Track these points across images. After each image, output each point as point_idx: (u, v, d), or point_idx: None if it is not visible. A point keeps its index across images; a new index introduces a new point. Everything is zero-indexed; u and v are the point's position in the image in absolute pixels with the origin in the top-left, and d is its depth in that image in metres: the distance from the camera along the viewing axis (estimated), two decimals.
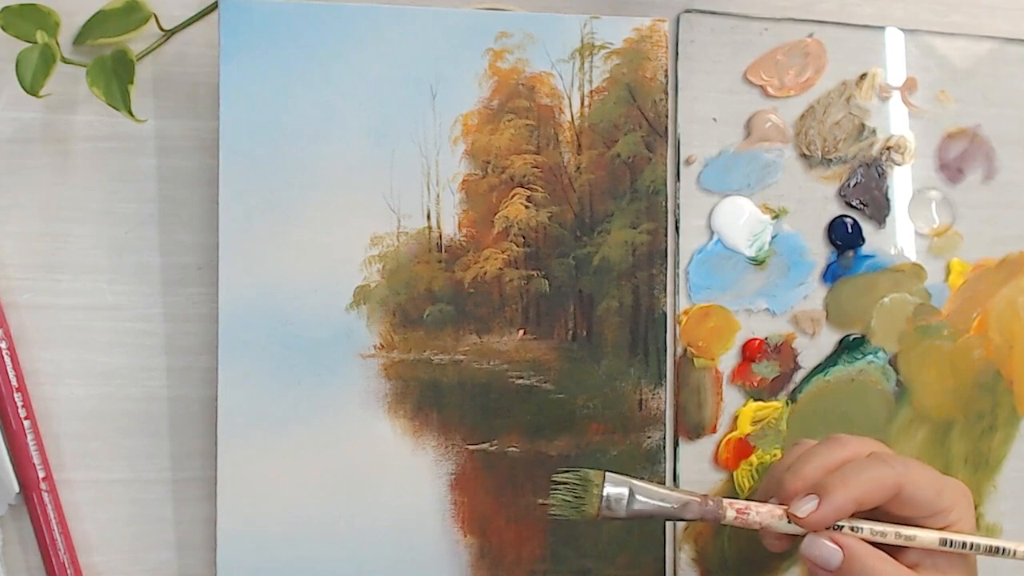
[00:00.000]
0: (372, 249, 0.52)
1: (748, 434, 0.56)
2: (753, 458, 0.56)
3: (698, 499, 0.46)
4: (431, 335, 0.53)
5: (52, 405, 0.51)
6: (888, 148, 0.58)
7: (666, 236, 0.54)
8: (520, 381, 0.53)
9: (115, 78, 0.49)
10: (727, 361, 0.56)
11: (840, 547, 0.45)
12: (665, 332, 0.54)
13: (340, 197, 0.52)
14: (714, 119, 0.57)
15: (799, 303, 0.57)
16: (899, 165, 0.59)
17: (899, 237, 0.58)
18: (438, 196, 0.53)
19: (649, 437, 0.54)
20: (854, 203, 0.58)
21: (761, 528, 0.46)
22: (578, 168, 0.54)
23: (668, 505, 0.46)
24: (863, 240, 0.58)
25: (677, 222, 0.56)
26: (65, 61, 0.50)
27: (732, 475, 0.56)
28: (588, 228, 0.54)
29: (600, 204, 0.54)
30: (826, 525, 0.45)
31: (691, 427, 0.56)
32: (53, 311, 0.52)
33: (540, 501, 0.53)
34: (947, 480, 0.46)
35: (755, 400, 0.57)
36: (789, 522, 0.45)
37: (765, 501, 0.47)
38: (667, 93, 0.55)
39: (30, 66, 0.48)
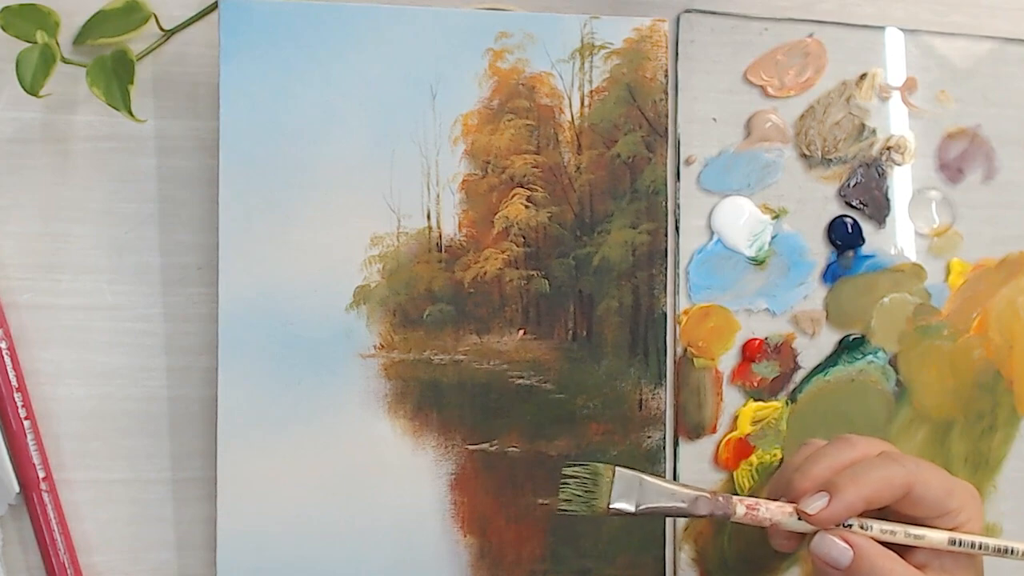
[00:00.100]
0: (372, 249, 0.52)
1: (748, 434, 0.56)
2: (753, 458, 0.56)
3: (708, 495, 0.46)
4: (431, 335, 0.53)
5: (52, 405, 0.51)
6: (888, 148, 0.58)
7: (666, 236, 0.54)
8: (520, 381, 0.53)
9: (115, 78, 0.49)
10: (727, 361, 0.56)
11: (850, 546, 0.45)
12: (665, 332, 0.54)
13: (340, 197, 0.52)
14: (714, 119, 0.57)
15: (799, 303, 0.57)
16: (899, 165, 0.59)
17: (899, 237, 0.58)
18: (438, 196, 0.53)
19: (649, 437, 0.54)
20: (854, 203, 0.58)
21: (771, 526, 0.46)
22: (578, 168, 0.54)
23: (679, 501, 0.46)
24: (863, 240, 0.58)
25: (677, 222, 0.56)
26: (65, 61, 0.50)
27: (732, 475, 0.56)
28: (588, 228, 0.54)
29: (600, 204, 0.54)
30: (836, 522, 0.45)
31: (691, 427, 0.56)
32: (53, 311, 0.52)
33: (540, 501, 0.53)
34: (957, 481, 0.46)
35: (755, 400, 0.57)
36: (799, 519, 0.45)
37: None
38: (667, 93, 0.55)
39: (30, 66, 0.48)
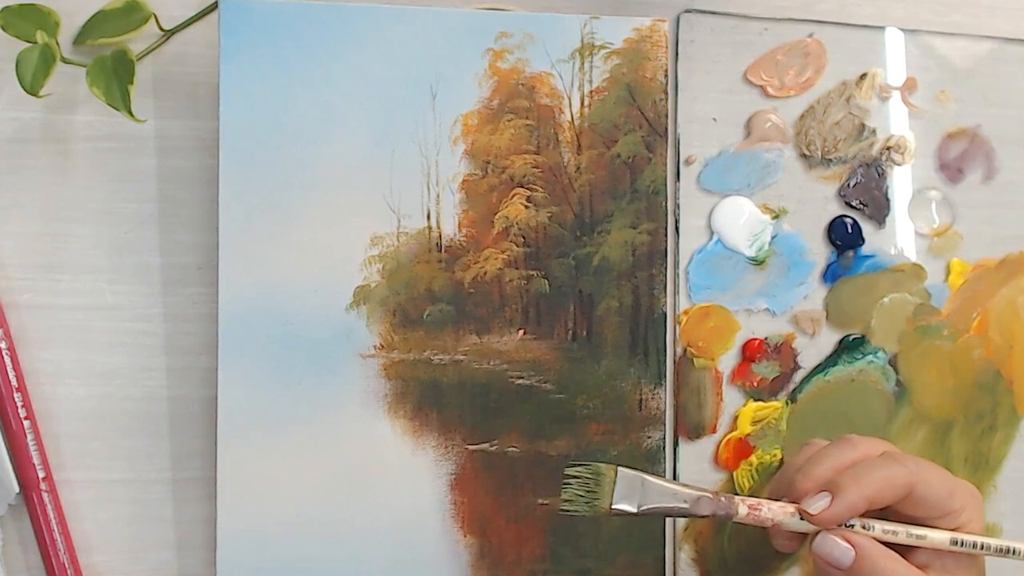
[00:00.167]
0: (372, 249, 0.52)
1: (748, 434, 0.56)
2: (753, 458, 0.56)
3: (710, 495, 0.46)
4: (431, 335, 0.53)
5: (52, 405, 0.51)
6: (888, 148, 0.58)
7: (666, 236, 0.54)
8: (520, 381, 0.53)
9: (115, 78, 0.49)
10: (727, 361, 0.56)
11: (852, 546, 0.45)
12: (665, 332, 0.54)
13: (340, 197, 0.52)
14: (714, 119, 0.57)
15: (799, 303, 0.57)
16: (899, 165, 0.59)
17: (899, 237, 0.58)
18: (438, 196, 0.53)
19: (649, 437, 0.54)
20: (854, 203, 0.58)
21: (772, 526, 0.46)
22: (578, 168, 0.54)
23: (681, 501, 0.46)
24: (863, 240, 0.58)
25: (677, 222, 0.56)
26: (65, 61, 0.50)
27: (732, 475, 0.56)
28: (588, 228, 0.54)
29: (600, 204, 0.54)
30: (838, 522, 0.45)
31: (691, 427, 0.56)
32: (53, 311, 0.52)
33: (540, 501, 0.53)
34: (959, 482, 0.46)
35: (755, 400, 0.57)
36: (801, 519, 0.45)
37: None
38: (667, 93, 0.55)
39: (30, 66, 0.48)
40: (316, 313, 0.51)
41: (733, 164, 0.57)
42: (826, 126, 0.58)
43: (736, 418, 0.56)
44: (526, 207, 0.53)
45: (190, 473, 0.52)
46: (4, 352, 0.50)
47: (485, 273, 0.53)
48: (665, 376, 0.54)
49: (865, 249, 0.58)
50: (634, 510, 0.45)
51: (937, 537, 0.45)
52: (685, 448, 0.56)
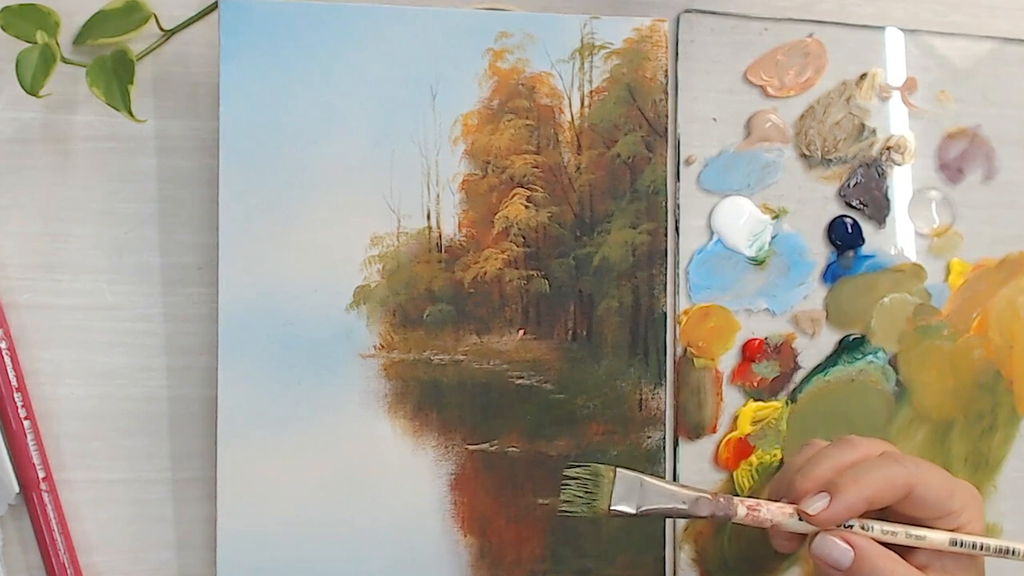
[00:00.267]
0: (372, 249, 0.52)
1: (748, 434, 0.56)
2: (753, 458, 0.56)
3: (709, 496, 0.46)
4: (431, 335, 0.53)
5: (52, 405, 0.51)
6: (888, 148, 0.58)
7: (666, 236, 0.54)
8: (520, 381, 0.53)
9: (115, 78, 0.49)
10: (727, 361, 0.56)
11: (851, 547, 0.45)
12: (665, 332, 0.54)
13: (340, 197, 0.52)
14: (714, 119, 0.57)
15: (799, 303, 0.57)
16: (899, 165, 0.59)
17: (899, 237, 0.58)
18: (438, 196, 0.53)
19: (649, 437, 0.54)
20: (854, 203, 0.58)
21: (771, 527, 0.46)
22: (578, 168, 0.54)
23: (680, 502, 0.46)
24: (863, 240, 0.58)
25: (677, 222, 0.56)
26: (65, 61, 0.50)
27: (732, 475, 0.56)
28: (588, 228, 0.54)
29: (600, 204, 0.54)
30: (837, 523, 0.45)
31: (691, 427, 0.56)
32: (53, 311, 0.52)
33: (540, 501, 0.53)
34: (958, 482, 0.46)
35: (755, 400, 0.57)
36: (800, 520, 0.45)
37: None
38: (667, 93, 0.55)
39: (30, 66, 0.48)
40: (316, 313, 0.51)
41: (733, 164, 0.57)
42: (826, 126, 0.58)
43: (736, 418, 0.56)
44: (526, 207, 0.53)
45: (190, 473, 0.52)
46: (4, 352, 0.50)
47: (485, 273, 0.53)
48: (665, 376, 0.54)
49: (865, 249, 0.58)
50: (633, 511, 0.45)
51: (936, 538, 0.45)
52: (685, 448, 0.56)
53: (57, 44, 0.49)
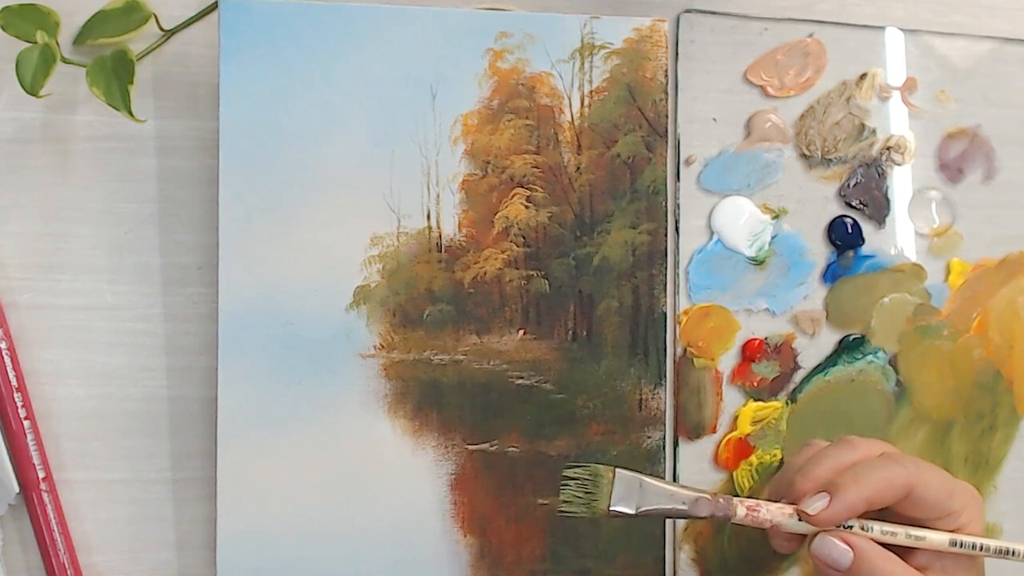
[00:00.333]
0: (372, 249, 0.52)
1: (748, 434, 0.56)
2: (753, 458, 0.56)
3: (709, 497, 0.46)
4: (431, 335, 0.53)
5: (52, 405, 0.51)
6: (888, 148, 0.58)
7: (666, 236, 0.54)
8: (520, 381, 0.53)
9: (115, 78, 0.49)
10: (727, 361, 0.56)
11: (850, 547, 0.45)
12: (665, 332, 0.54)
13: (340, 197, 0.52)
14: (714, 119, 0.57)
15: (799, 303, 0.57)
16: (899, 165, 0.59)
17: (899, 237, 0.58)
18: (438, 196, 0.53)
19: (649, 437, 0.54)
20: (854, 203, 0.58)
21: (771, 527, 0.46)
22: (578, 168, 0.54)
23: (679, 502, 0.46)
24: (863, 240, 0.58)
25: (677, 222, 0.56)
26: (65, 61, 0.50)
27: (732, 475, 0.56)
28: (588, 228, 0.54)
29: (600, 204, 0.54)
30: (837, 523, 0.45)
31: (691, 427, 0.56)
32: (53, 311, 0.52)
33: (540, 501, 0.53)
34: (958, 483, 0.46)
35: (755, 400, 0.57)
36: (799, 521, 0.45)
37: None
38: (667, 93, 0.55)
39: (30, 66, 0.48)
40: (316, 313, 0.51)
41: (733, 164, 0.57)
42: (826, 126, 0.58)
43: (736, 418, 0.56)
44: (526, 207, 0.53)
45: (190, 473, 0.52)
46: (4, 352, 0.50)
47: (485, 273, 0.53)
48: (665, 376, 0.54)
49: (865, 249, 0.58)
50: (632, 512, 0.45)
51: (936, 538, 0.45)
52: (685, 448, 0.56)
53: (57, 44, 0.49)
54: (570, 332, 0.54)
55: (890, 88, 0.59)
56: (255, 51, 0.51)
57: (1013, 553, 0.46)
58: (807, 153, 0.58)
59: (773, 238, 0.57)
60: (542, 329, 0.53)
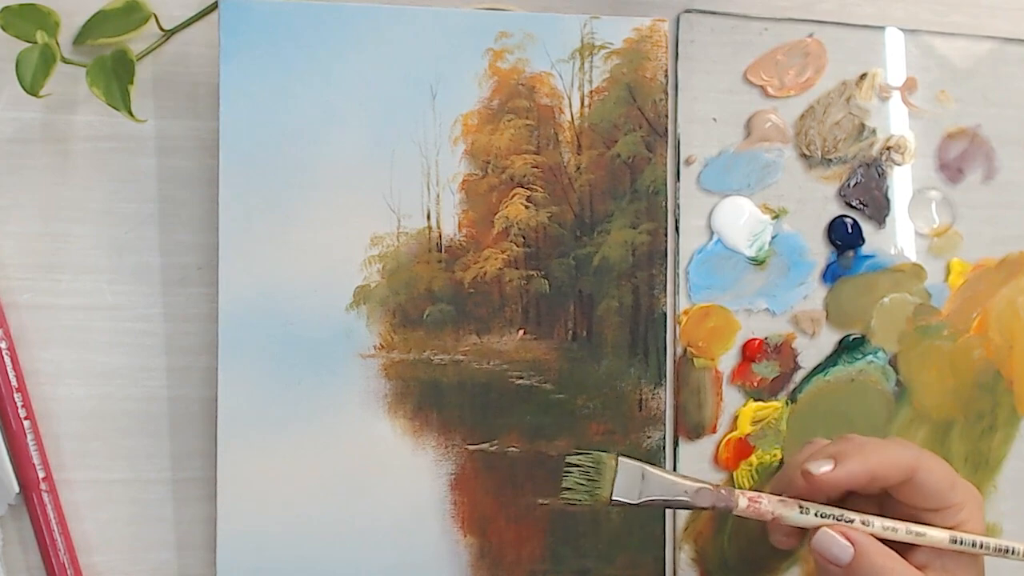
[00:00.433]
0: (372, 249, 0.52)
1: (748, 434, 0.56)
2: (753, 458, 0.56)
3: (711, 487, 0.46)
4: (431, 335, 0.53)
5: (52, 405, 0.51)
6: (888, 148, 0.58)
7: (666, 236, 0.54)
8: (520, 381, 0.53)
9: (115, 78, 0.49)
10: (727, 361, 0.56)
11: (851, 543, 0.44)
12: (665, 332, 0.54)
13: (340, 197, 0.52)
14: (714, 119, 0.57)
15: (799, 303, 0.57)
16: (899, 165, 0.59)
17: (899, 237, 0.58)
18: (438, 196, 0.53)
19: (649, 437, 0.54)
20: (854, 203, 0.58)
21: (771, 521, 0.46)
22: (578, 168, 0.54)
23: (681, 492, 0.46)
24: (863, 240, 0.58)
25: (677, 222, 0.56)
26: (65, 61, 0.50)
27: (732, 475, 0.56)
28: (588, 228, 0.54)
29: (600, 204, 0.54)
30: (838, 489, 0.45)
31: (691, 427, 0.56)
32: (53, 311, 0.52)
33: (540, 501, 0.53)
34: (960, 478, 0.46)
35: (755, 400, 0.57)
36: (801, 513, 0.45)
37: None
38: (667, 93, 0.55)
39: (30, 66, 0.48)
40: (316, 313, 0.51)
41: (733, 164, 0.57)
42: (826, 126, 0.58)
43: (736, 418, 0.56)
44: (526, 207, 0.53)
45: (190, 473, 0.52)
46: (4, 352, 0.50)
47: (485, 273, 0.53)
48: (665, 376, 0.54)
49: (865, 249, 0.58)
50: (634, 501, 0.45)
51: (936, 535, 0.45)
52: (685, 448, 0.56)
53: (57, 44, 0.49)
54: (570, 332, 0.54)
55: (890, 88, 0.59)
56: (255, 51, 0.51)
57: (1012, 552, 0.46)
58: (807, 153, 0.58)
59: (773, 238, 0.57)
60: (542, 329, 0.53)
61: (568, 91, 0.54)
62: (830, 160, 0.58)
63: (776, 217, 0.57)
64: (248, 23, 0.51)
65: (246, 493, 0.51)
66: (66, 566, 0.50)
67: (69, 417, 0.52)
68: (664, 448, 0.54)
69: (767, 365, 0.57)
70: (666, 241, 0.54)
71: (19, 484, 0.50)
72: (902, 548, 0.45)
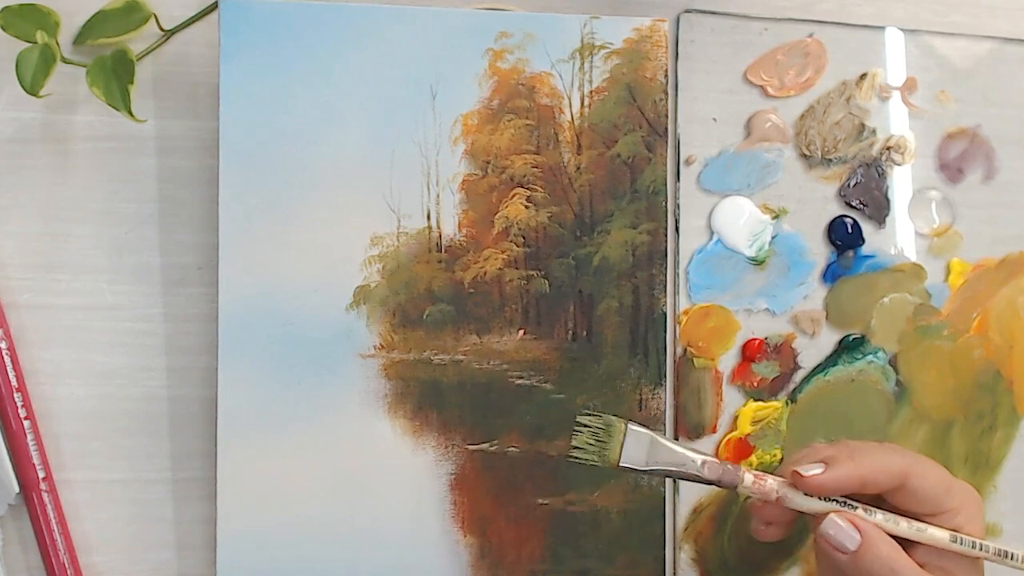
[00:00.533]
0: (372, 249, 0.52)
1: (748, 434, 0.56)
2: (753, 458, 0.56)
3: (716, 461, 0.46)
4: (431, 335, 0.53)
5: (52, 405, 0.51)
6: (888, 148, 0.58)
7: (666, 236, 0.54)
8: (520, 381, 0.53)
9: (115, 78, 0.49)
10: (727, 361, 0.56)
11: (859, 531, 0.44)
12: (665, 332, 0.54)
13: (340, 197, 0.52)
14: (714, 119, 0.57)
15: (799, 303, 0.57)
16: (899, 165, 0.59)
17: (899, 237, 0.58)
18: (438, 196, 0.53)
19: None
20: (854, 203, 0.58)
21: (776, 499, 0.46)
22: (578, 168, 0.54)
23: (687, 462, 0.46)
24: (863, 240, 0.58)
25: (677, 222, 0.56)
26: (65, 61, 0.50)
27: None
28: (588, 228, 0.54)
29: (600, 204, 0.54)
30: (827, 492, 0.45)
31: (691, 427, 0.56)
32: (53, 311, 0.52)
33: (540, 501, 0.53)
34: (957, 482, 0.46)
35: (755, 400, 0.57)
36: (805, 495, 0.45)
37: None
38: (667, 93, 0.55)
39: (30, 66, 0.48)
40: (316, 313, 0.51)
41: (733, 164, 0.57)
42: (826, 126, 0.58)
43: (736, 418, 0.56)
44: (526, 207, 0.53)
45: (190, 473, 0.52)
46: (4, 352, 0.50)
47: (485, 273, 0.53)
48: (665, 376, 0.54)
49: (865, 249, 0.58)
50: (642, 467, 0.46)
51: (937, 533, 0.45)
52: None
53: (57, 44, 0.49)
54: (570, 332, 0.54)
55: (890, 88, 0.59)
56: (255, 51, 0.51)
57: (1011, 556, 0.46)
58: (807, 153, 0.58)
59: (773, 238, 0.57)
60: (542, 329, 0.53)
61: (568, 91, 0.54)
62: (830, 160, 0.58)
63: (776, 217, 0.57)
64: (248, 23, 0.51)
65: (246, 493, 0.51)
66: (66, 566, 0.50)
67: (69, 417, 0.52)
68: None
69: (767, 365, 0.57)
70: (666, 241, 0.54)
71: (19, 484, 0.50)
72: (903, 546, 0.45)
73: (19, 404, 0.50)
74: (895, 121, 0.59)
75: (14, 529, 0.51)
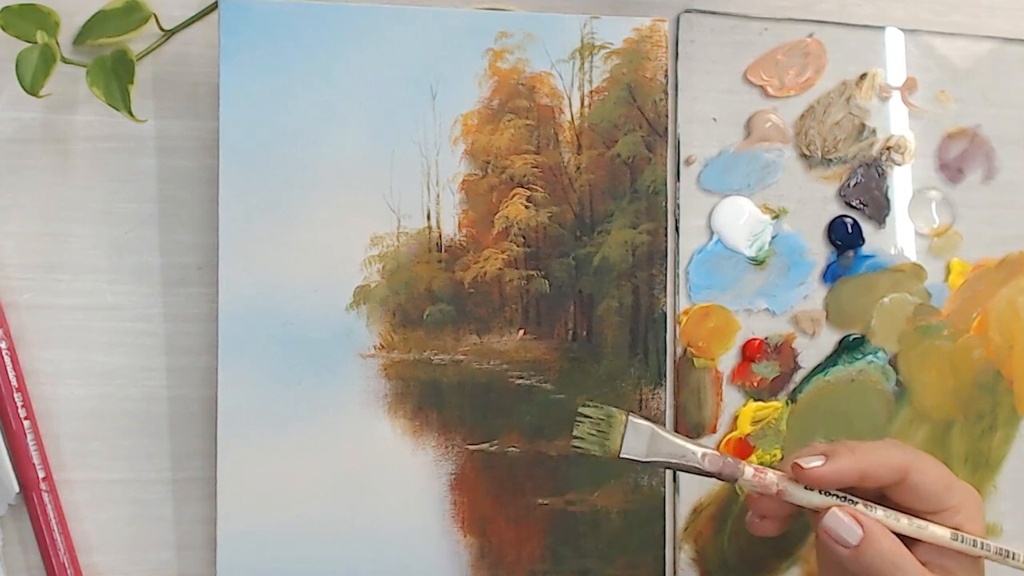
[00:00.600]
0: (372, 249, 0.52)
1: (748, 434, 0.56)
2: (753, 458, 0.56)
3: (717, 453, 0.46)
4: (431, 335, 0.53)
5: (52, 405, 0.51)
6: (888, 148, 0.58)
7: (666, 236, 0.54)
8: (520, 381, 0.53)
9: (115, 78, 0.49)
10: (727, 361, 0.56)
11: (861, 526, 0.44)
12: (665, 332, 0.54)
13: (340, 197, 0.52)
14: (714, 119, 0.57)
15: (799, 303, 0.57)
16: (899, 165, 0.59)
17: (899, 237, 0.58)
18: (438, 196, 0.53)
19: None
20: (854, 203, 0.58)
21: (777, 493, 0.46)
22: (578, 168, 0.54)
23: (688, 454, 0.46)
24: (863, 240, 0.58)
25: (677, 222, 0.56)
26: (65, 61, 0.50)
27: None
28: (588, 228, 0.54)
29: (600, 204, 0.54)
30: (828, 485, 0.45)
31: (691, 427, 0.56)
32: (53, 311, 0.52)
33: (540, 501, 0.53)
34: (958, 480, 0.46)
35: (755, 400, 0.57)
36: (805, 489, 0.45)
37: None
38: (667, 93, 0.55)
39: (30, 66, 0.48)
40: (316, 313, 0.51)
41: (733, 164, 0.57)
42: (826, 126, 0.58)
43: (736, 418, 0.56)
44: (526, 207, 0.53)
45: (190, 473, 0.52)
46: (4, 352, 0.50)
47: (485, 273, 0.53)
48: (665, 376, 0.54)
49: (865, 249, 0.58)
50: (642, 458, 0.46)
51: (938, 531, 0.45)
52: None
53: (57, 44, 0.49)
54: (570, 332, 0.54)
55: (890, 88, 0.59)
56: (255, 51, 0.51)
57: (1012, 556, 0.46)
58: (807, 153, 0.58)
59: (773, 238, 0.57)
60: (542, 329, 0.53)
61: (568, 91, 0.54)
62: (830, 160, 0.58)
63: (776, 217, 0.57)
64: (248, 23, 0.51)
65: (246, 493, 0.51)
66: (66, 566, 0.50)
67: (69, 417, 0.52)
68: None
69: (767, 365, 0.57)
70: (666, 241, 0.54)
71: (19, 484, 0.50)
72: (904, 546, 0.45)
73: (19, 404, 0.50)
74: (895, 121, 0.59)
75: (14, 529, 0.51)
